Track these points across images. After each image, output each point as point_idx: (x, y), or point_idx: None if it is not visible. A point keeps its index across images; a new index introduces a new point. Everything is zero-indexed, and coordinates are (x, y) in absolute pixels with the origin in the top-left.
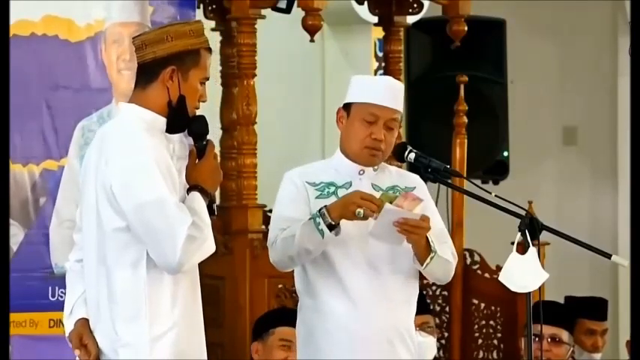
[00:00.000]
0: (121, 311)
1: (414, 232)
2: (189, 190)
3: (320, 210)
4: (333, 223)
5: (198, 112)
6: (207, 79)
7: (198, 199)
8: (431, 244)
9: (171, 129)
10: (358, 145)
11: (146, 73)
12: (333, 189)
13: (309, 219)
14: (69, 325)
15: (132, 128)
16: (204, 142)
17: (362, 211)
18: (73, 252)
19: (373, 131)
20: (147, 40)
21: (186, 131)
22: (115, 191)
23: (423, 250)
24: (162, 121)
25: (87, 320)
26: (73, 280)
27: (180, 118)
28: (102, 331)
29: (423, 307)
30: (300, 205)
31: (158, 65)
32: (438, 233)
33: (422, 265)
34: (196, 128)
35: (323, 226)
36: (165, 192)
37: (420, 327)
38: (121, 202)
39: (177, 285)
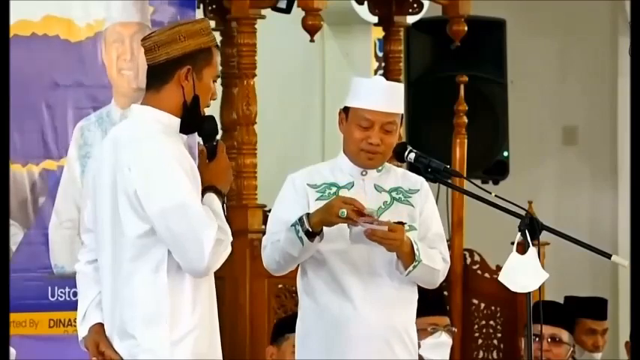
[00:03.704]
0: (141, 315)
1: (383, 242)
2: (203, 191)
3: (300, 217)
4: (311, 230)
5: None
6: (219, 76)
7: (216, 201)
8: (416, 252)
9: (184, 129)
10: (355, 148)
11: (159, 75)
12: (334, 190)
13: (291, 225)
14: (82, 330)
15: (151, 131)
16: (215, 143)
17: (345, 211)
18: (82, 253)
19: (369, 135)
20: (159, 41)
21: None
22: (140, 196)
23: (406, 258)
24: (177, 122)
25: (101, 325)
26: (85, 283)
27: (194, 119)
28: (119, 335)
29: (442, 308)
30: (297, 208)
31: (172, 66)
32: (433, 237)
33: (404, 271)
34: (208, 129)
35: (302, 234)
36: (190, 196)
37: (445, 328)
38: (146, 207)
39: (197, 288)
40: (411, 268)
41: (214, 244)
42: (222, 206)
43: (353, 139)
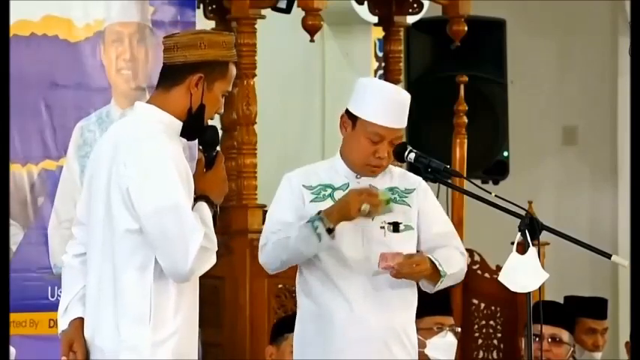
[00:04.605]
0: (125, 312)
1: (412, 277)
2: (196, 200)
3: (319, 213)
4: (331, 227)
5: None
6: (229, 92)
7: (206, 210)
8: (439, 267)
9: (185, 135)
10: (361, 161)
11: (172, 76)
12: (329, 191)
13: (307, 222)
14: (63, 324)
15: (152, 131)
16: (214, 153)
17: (367, 206)
18: (71, 245)
19: (377, 149)
20: (179, 42)
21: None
22: (132, 194)
23: (430, 277)
24: (178, 125)
25: (81, 321)
26: (71, 277)
27: (196, 127)
28: (103, 331)
29: (448, 308)
30: (293, 209)
31: (186, 70)
32: (445, 234)
33: (433, 288)
34: (209, 137)
35: (321, 230)
36: (182, 199)
37: (450, 327)
38: (136, 206)
39: (181, 292)
40: (439, 284)
41: (199, 249)
42: (214, 217)
43: (361, 152)
